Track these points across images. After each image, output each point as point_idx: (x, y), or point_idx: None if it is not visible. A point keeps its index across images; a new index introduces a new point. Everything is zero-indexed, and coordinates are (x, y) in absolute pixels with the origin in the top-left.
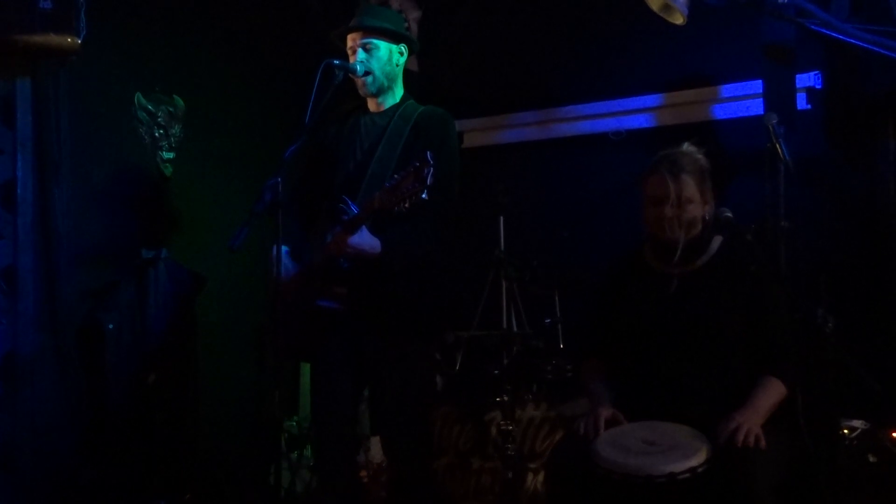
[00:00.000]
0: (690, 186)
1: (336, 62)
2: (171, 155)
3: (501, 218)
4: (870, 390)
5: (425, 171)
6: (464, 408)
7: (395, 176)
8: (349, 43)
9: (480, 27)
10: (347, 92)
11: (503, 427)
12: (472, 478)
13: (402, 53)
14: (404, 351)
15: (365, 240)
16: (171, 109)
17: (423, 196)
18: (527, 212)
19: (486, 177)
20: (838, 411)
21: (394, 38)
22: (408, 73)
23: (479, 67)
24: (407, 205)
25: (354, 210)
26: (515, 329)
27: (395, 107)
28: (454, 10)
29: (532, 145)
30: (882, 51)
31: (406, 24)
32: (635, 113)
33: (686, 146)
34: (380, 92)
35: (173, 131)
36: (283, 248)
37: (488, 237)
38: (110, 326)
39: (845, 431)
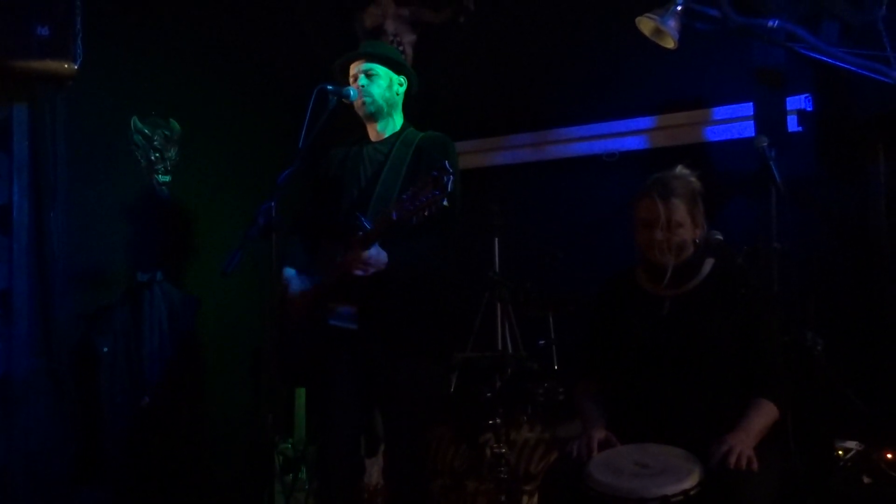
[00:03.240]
0: (680, 210)
1: (329, 87)
2: (167, 178)
3: (496, 239)
4: (858, 412)
5: (445, 179)
6: (459, 429)
7: (411, 187)
8: (352, 72)
9: (475, 50)
10: (350, 123)
11: (496, 450)
12: (467, 500)
13: (401, 84)
14: (416, 370)
15: (379, 254)
16: (167, 133)
17: (444, 203)
18: (521, 233)
19: (480, 198)
20: (830, 433)
21: (395, 67)
22: (408, 102)
23: (474, 90)
24: (427, 213)
25: (368, 226)
26: (510, 350)
27: (397, 134)
28: (449, 34)
29: (526, 167)
30: (870, 74)
31: (401, 48)
32: (629, 135)
33: (679, 169)
34: (378, 114)
35: (169, 154)
36: (291, 271)
37: (483, 258)
38: (105, 350)
39: (840, 453)
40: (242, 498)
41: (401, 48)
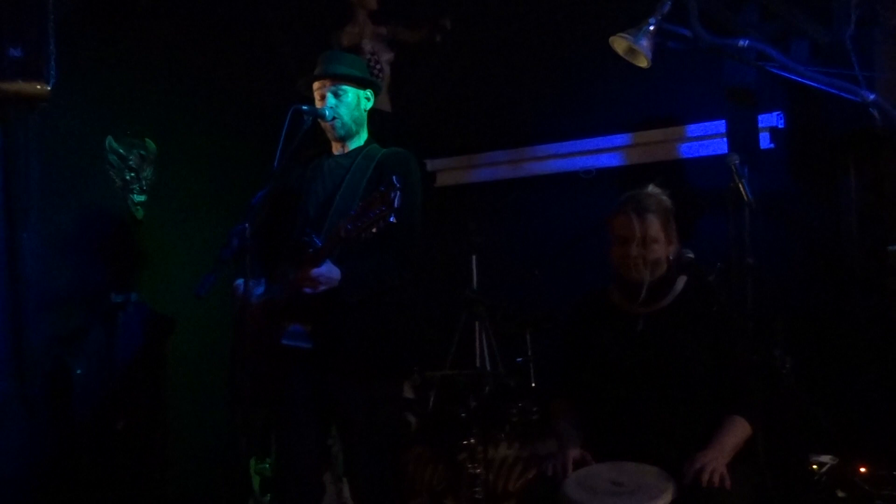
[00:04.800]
0: (655, 226)
1: (304, 108)
2: (142, 198)
3: (474, 257)
4: (826, 430)
5: (392, 194)
6: (436, 448)
7: (360, 203)
8: (317, 88)
9: (452, 68)
10: (313, 137)
11: (471, 470)
12: None
13: (368, 99)
14: (370, 391)
15: (329, 271)
16: (142, 153)
17: (392, 219)
18: (499, 250)
19: (458, 216)
20: (802, 449)
21: (361, 84)
22: (380, 114)
23: (451, 107)
24: (374, 230)
25: (318, 242)
26: (488, 368)
27: (359, 149)
28: (426, 52)
29: (504, 184)
30: (839, 92)
31: (378, 66)
32: (605, 152)
33: (651, 187)
34: (347, 136)
35: (145, 174)
36: (241, 281)
37: (461, 276)
38: (78, 371)
39: (814, 467)
40: None
41: (378, 66)
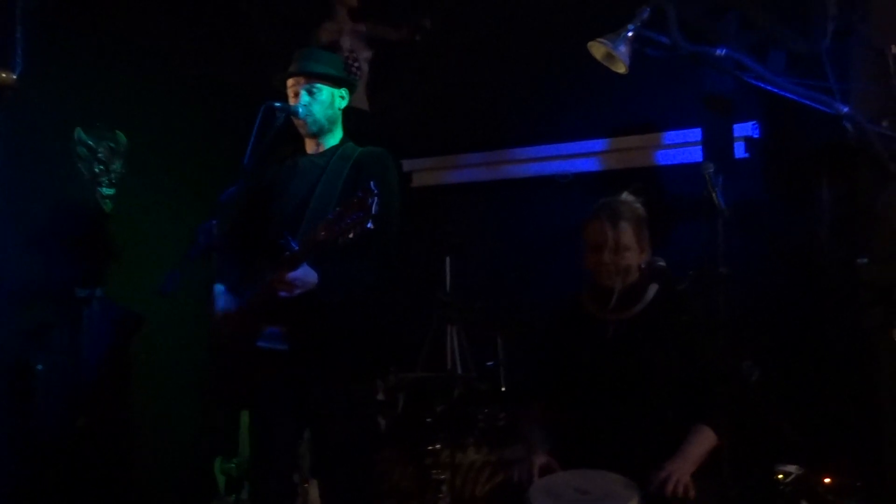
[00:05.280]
0: (628, 234)
1: (277, 105)
2: (111, 191)
3: (448, 259)
4: (792, 442)
5: (370, 200)
6: (405, 450)
7: (338, 208)
8: (291, 85)
9: (431, 69)
10: (286, 134)
11: (435, 476)
12: None
13: (343, 97)
14: (346, 393)
15: (308, 275)
16: (112, 145)
17: (369, 226)
18: (473, 253)
19: (433, 217)
20: (767, 460)
21: (335, 82)
22: (358, 112)
23: (430, 108)
24: (351, 235)
25: (295, 246)
26: (460, 371)
27: (334, 148)
28: (405, 52)
29: (480, 186)
30: (814, 104)
31: (357, 64)
32: (582, 157)
33: (625, 195)
34: (320, 133)
35: (114, 167)
36: (220, 286)
37: (435, 278)
38: (40, 368)
39: (780, 477)
40: None
41: (356, 64)
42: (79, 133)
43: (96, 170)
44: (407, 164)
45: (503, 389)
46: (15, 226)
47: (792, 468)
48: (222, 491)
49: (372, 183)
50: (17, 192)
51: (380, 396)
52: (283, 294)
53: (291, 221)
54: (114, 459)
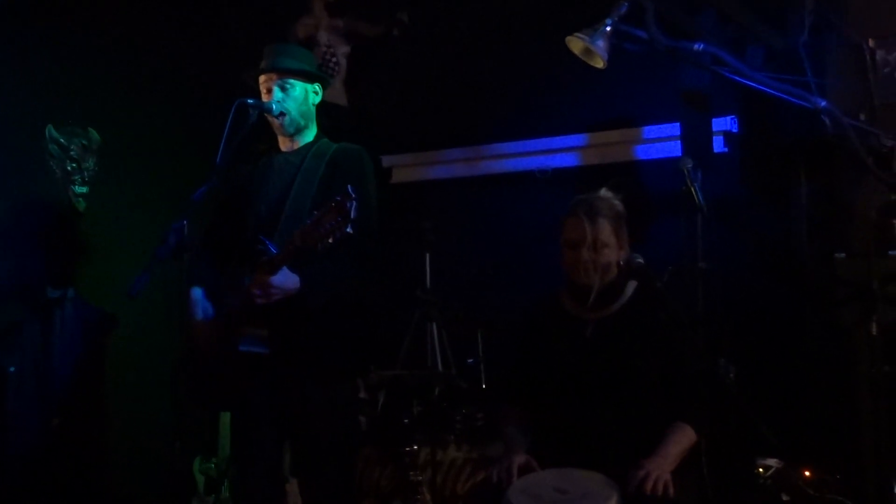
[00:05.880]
0: (606, 230)
1: (250, 101)
2: (84, 189)
3: (427, 255)
4: (765, 438)
5: (348, 205)
6: (385, 449)
7: (316, 212)
8: (263, 81)
9: (410, 64)
10: (259, 132)
11: (412, 478)
12: None
13: (316, 93)
14: (329, 395)
15: (287, 279)
16: (84, 142)
17: (348, 230)
18: (453, 249)
19: (413, 213)
20: (747, 456)
21: (308, 77)
22: (336, 108)
23: (408, 103)
24: (331, 240)
25: (273, 250)
26: (440, 368)
27: (309, 145)
28: (384, 47)
29: (460, 182)
30: (791, 99)
31: (334, 59)
32: (561, 152)
33: (603, 191)
34: (297, 132)
35: (87, 165)
36: (199, 290)
37: (414, 274)
38: (12, 369)
39: (760, 470)
40: None
41: (334, 59)
42: (50, 130)
43: (69, 168)
44: (386, 160)
45: (483, 387)
46: None
47: (772, 462)
48: (202, 491)
49: (350, 187)
50: None
51: (361, 394)
52: (259, 301)
53: (267, 223)
54: (89, 460)
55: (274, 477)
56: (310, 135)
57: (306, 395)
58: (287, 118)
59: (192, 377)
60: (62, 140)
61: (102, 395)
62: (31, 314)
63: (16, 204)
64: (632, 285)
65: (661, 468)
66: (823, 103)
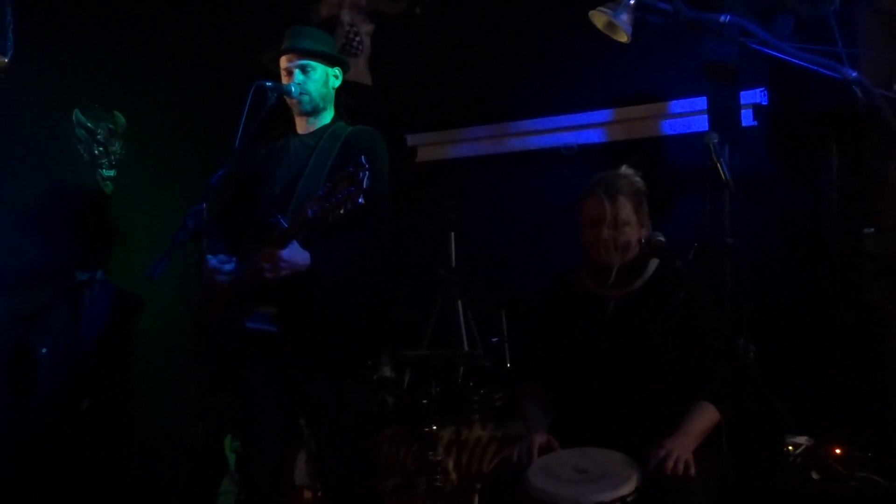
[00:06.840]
0: (627, 209)
1: (269, 84)
2: (111, 172)
3: (452, 234)
4: (784, 418)
5: (361, 175)
6: (410, 428)
7: (328, 183)
8: (284, 64)
9: (433, 42)
10: (277, 115)
11: (431, 458)
12: (417, 499)
13: (336, 77)
14: (337, 376)
15: (296, 254)
16: (110, 126)
17: (360, 201)
18: (478, 228)
19: (437, 192)
20: (769, 435)
21: (329, 60)
22: (360, 87)
23: (432, 82)
24: (342, 211)
25: (284, 224)
26: (466, 348)
27: (325, 128)
28: (407, 25)
29: (484, 160)
30: (821, 70)
31: (358, 38)
32: (587, 128)
33: (623, 168)
34: (314, 112)
35: (113, 148)
36: (213, 258)
37: (439, 253)
38: (43, 351)
39: (790, 448)
40: (189, 499)
41: (357, 38)
42: (76, 115)
43: (96, 151)
44: (411, 139)
45: (508, 366)
46: (14, 209)
47: (802, 440)
48: (233, 469)
49: (363, 157)
50: (15, 176)
51: (387, 373)
52: (268, 274)
53: (281, 201)
54: (120, 441)
55: (277, 458)
56: (327, 117)
57: (313, 377)
58: (307, 98)
59: (201, 358)
60: (89, 124)
61: (131, 376)
62: (61, 297)
63: (45, 188)
64: (653, 263)
65: (682, 447)
66: (854, 74)
